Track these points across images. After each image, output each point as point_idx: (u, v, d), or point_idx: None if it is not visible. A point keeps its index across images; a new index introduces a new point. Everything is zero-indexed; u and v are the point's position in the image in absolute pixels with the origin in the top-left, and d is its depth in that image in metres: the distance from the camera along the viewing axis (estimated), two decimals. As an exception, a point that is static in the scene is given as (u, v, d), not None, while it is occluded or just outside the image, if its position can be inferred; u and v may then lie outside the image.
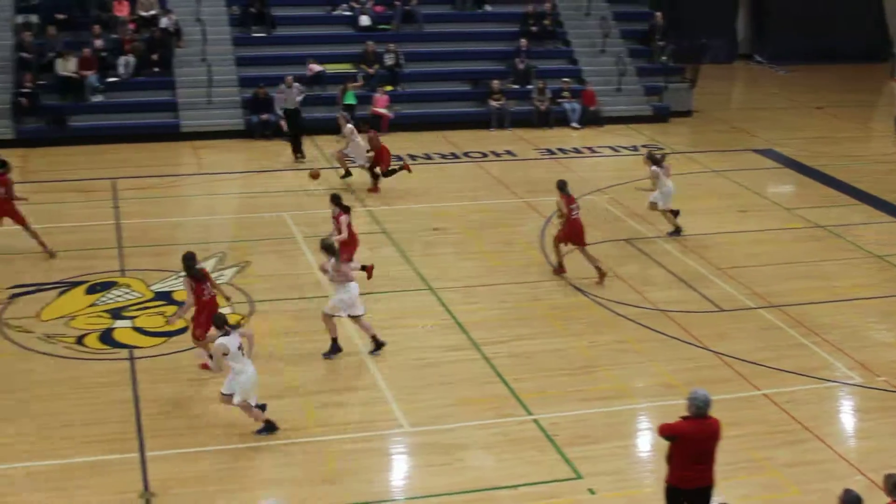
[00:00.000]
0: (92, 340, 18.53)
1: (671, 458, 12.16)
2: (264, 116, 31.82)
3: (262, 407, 15.58)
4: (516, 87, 34.90)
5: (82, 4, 34.05)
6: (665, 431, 12.16)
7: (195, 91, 32.57)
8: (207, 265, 21.41)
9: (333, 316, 17.97)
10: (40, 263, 21.87)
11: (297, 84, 30.59)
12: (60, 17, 33.29)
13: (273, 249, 22.68)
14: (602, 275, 21.20)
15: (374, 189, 26.91)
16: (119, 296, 20.35)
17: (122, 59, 32.65)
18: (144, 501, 13.97)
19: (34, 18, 33.38)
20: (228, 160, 30.22)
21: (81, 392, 16.75)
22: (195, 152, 30.46)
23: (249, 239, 23.41)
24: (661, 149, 26.58)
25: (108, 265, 21.79)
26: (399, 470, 15.19)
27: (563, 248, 21.56)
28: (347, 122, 27.47)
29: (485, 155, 30.91)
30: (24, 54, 31.98)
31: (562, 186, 21.28)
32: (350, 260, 19.61)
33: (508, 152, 31.32)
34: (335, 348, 17.98)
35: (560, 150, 31.75)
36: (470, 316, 19.61)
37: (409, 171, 27.01)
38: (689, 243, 23.53)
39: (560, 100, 34.61)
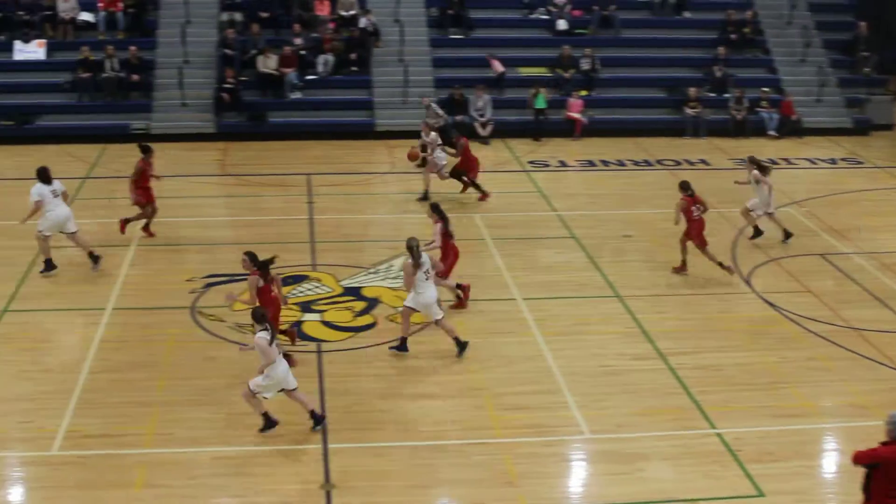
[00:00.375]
0: (281, 332, 18.90)
1: (869, 487, 11.62)
2: (459, 118, 32.00)
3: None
4: (713, 95, 34.32)
5: (285, 3, 34.81)
6: (863, 459, 11.60)
7: (391, 91, 32.96)
8: (396, 264, 21.69)
9: (413, 311, 18.05)
10: (236, 254, 22.35)
11: (434, 104, 30.52)
12: (264, 15, 34.09)
13: (462, 250, 22.71)
14: (729, 271, 21.46)
15: (483, 197, 26.19)
16: (309, 289, 20.70)
17: (321, 58, 33.27)
18: (325, 493, 14.19)
19: (238, 16, 34.27)
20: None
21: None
22: (389, 151, 30.82)
23: (438, 238, 23.54)
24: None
25: (300, 259, 22.19)
26: (578, 476, 15.07)
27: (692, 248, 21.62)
28: (432, 130, 26.87)
29: (678, 163, 30.48)
30: (227, 51, 32.87)
31: (685, 187, 21.42)
32: (447, 274, 19.62)
33: (703, 161, 30.82)
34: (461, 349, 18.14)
35: (756, 160, 31.06)
36: (657, 325, 19.36)
37: (485, 198, 26.24)
38: (887, 260, 22.76)
39: (758, 109, 33.90)
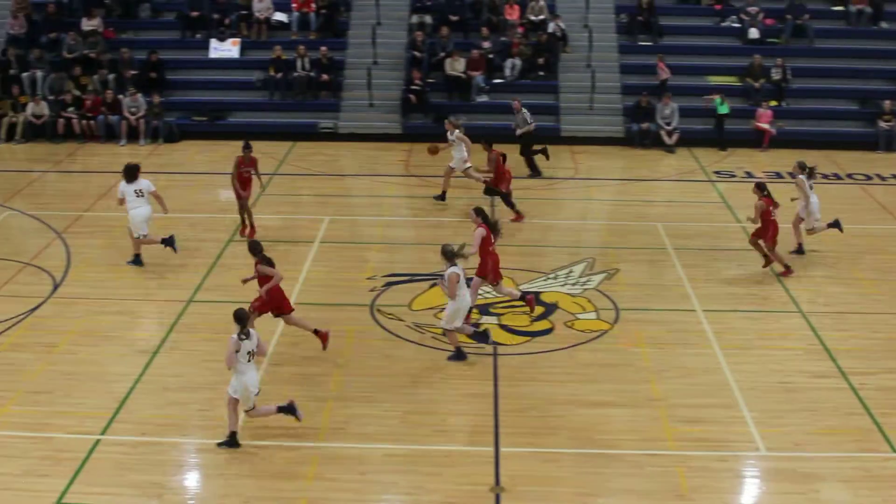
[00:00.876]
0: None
1: None
2: (645, 125, 31.69)
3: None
4: (909, 108, 33.20)
5: (475, 7, 34.96)
6: None
7: (578, 96, 32.81)
8: (576, 270, 21.55)
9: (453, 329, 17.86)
10: (417, 254, 22.59)
11: (525, 111, 29.95)
12: (453, 18, 34.31)
13: (644, 258, 22.48)
14: (788, 271, 21.68)
15: (517, 218, 24.84)
16: (487, 292, 20.70)
17: (508, 62, 33.32)
18: (494, 495, 14.16)
19: (428, 19, 34.56)
20: (605, 166, 30.26)
21: (444, 382, 17.17)
22: (573, 156, 30.67)
23: (620, 246, 23.30)
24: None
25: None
26: (751, 494, 14.70)
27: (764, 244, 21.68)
28: (455, 127, 26.36)
29: (869, 178, 29.56)
30: (416, 53, 33.17)
31: (762, 188, 21.60)
32: (497, 280, 19.39)
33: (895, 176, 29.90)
34: (483, 339, 18.26)
35: (954, 176, 30.02)
36: (840, 343, 18.78)
37: (520, 220, 24.98)
38: None
39: (957, 124, 32.66)
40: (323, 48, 32.87)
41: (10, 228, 24.32)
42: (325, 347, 18.12)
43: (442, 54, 33.12)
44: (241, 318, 15.04)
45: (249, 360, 15.07)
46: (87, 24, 33.96)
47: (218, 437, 15.47)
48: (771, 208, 21.33)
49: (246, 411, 15.33)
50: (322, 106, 32.53)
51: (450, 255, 17.51)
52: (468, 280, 18.44)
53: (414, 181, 28.01)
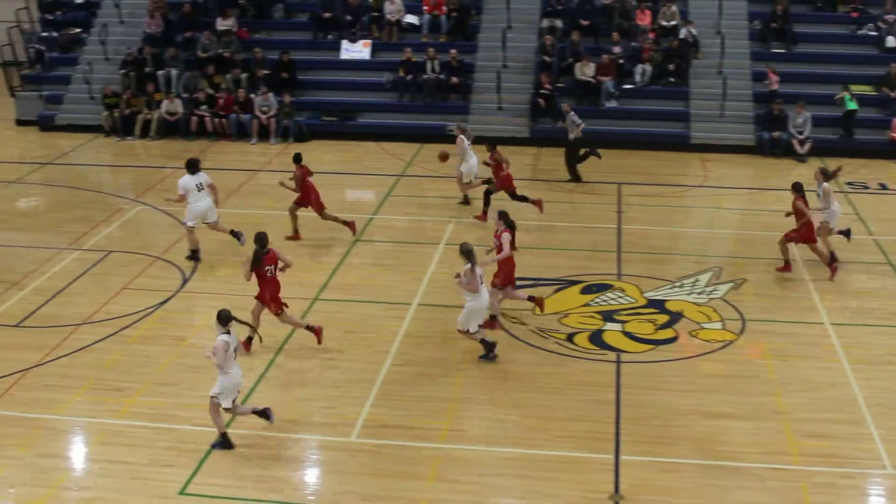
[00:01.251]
0: (582, 339, 18.85)
1: None
2: (776, 134, 31.17)
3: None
4: None
5: (606, 12, 34.76)
6: None
7: (708, 103, 32.39)
8: (702, 279, 21.30)
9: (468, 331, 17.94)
10: (541, 259, 22.53)
11: (573, 113, 29.34)
12: (584, 23, 34.14)
13: (771, 269, 22.06)
14: (833, 270, 21.69)
15: (483, 216, 24.79)
16: (613, 299, 20.58)
17: (639, 67, 33.05)
18: (613, 503, 14.07)
19: (558, 23, 34.43)
20: (735, 175, 29.82)
21: (565, 388, 17.09)
22: (703, 164, 30.31)
23: (748, 256, 22.95)
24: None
25: (605, 268, 22.09)
26: (878, 512, 14.42)
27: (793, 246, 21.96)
28: (462, 132, 26.02)
29: None
30: (546, 57, 33.07)
31: (798, 188, 21.52)
32: (511, 282, 19.22)
33: None
34: (489, 351, 18.04)
35: None
36: (975, 361, 18.28)
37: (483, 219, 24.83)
38: None
39: None
40: (453, 51, 32.96)
41: (142, 223, 24.83)
42: (319, 342, 18.47)
43: (571, 59, 32.97)
44: (225, 318, 15.16)
45: (235, 358, 15.23)
46: (222, 24, 34.55)
47: (339, 434, 15.65)
48: (806, 209, 21.38)
49: (226, 409, 15.33)
50: (451, 108, 32.63)
51: (467, 254, 17.57)
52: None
53: (541, 185, 27.92)
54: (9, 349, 18.61)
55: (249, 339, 17.95)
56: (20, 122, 34.69)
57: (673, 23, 34.30)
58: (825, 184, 22.36)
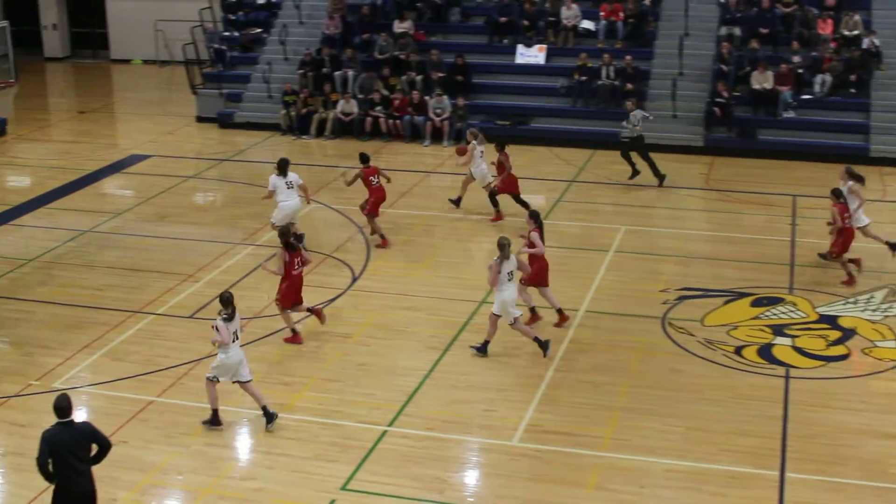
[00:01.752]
0: (750, 353, 18.50)
1: None
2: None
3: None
4: None
5: (786, 20, 34.05)
6: None
7: (890, 116, 31.47)
8: (877, 296, 20.73)
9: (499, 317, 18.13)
10: (712, 269, 22.21)
11: (639, 110, 28.79)
12: (763, 31, 33.51)
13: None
14: (850, 281, 21.45)
15: (498, 217, 25.07)
16: (783, 313, 20.15)
17: (818, 77, 32.26)
18: (778, 522, 13.79)
19: (737, 31, 33.85)
20: (916, 190, 28.94)
21: (732, 401, 16.79)
22: (882, 178, 29.43)
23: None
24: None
25: (776, 280, 21.64)
26: None
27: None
28: (474, 137, 25.65)
29: None
30: (723, 66, 32.57)
31: (838, 194, 21.38)
32: (542, 282, 19.27)
33: None
34: (544, 348, 18.21)
35: None
36: None
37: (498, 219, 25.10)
38: None
39: None
40: (628, 57, 32.70)
41: (315, 221, 25.23)
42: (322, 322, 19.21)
43: (748, 68, 32.39)
44: (226, 301, 15.77)
45: (235, 340, 15.77)
46: (399, 27, 34.93)
47: (501, 437, 15.68)
48: (845, 215, 21.20)
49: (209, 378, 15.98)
50: (624, 115, 32.23)
51: (500, 247, 17.79)
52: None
53: (714, 195, 27.53)
54: (182, 340, 19.14)
55: None
56: (200, 119, 35.65)
57: (855, 32, 33.41)
58: (850, 182, 22.02)
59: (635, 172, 28.14)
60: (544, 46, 34.23)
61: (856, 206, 21.95)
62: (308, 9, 36.95)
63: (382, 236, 23.59)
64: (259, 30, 37.39)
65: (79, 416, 16.58)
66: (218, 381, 15.93)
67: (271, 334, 19.20)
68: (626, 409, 16.53)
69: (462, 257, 22.90)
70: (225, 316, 15.70)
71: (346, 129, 33.14)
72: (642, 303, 20.46)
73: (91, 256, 23.28)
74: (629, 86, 32.39)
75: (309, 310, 19.28)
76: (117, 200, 26.71)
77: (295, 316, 19.26)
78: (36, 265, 22.72)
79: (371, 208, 23.54)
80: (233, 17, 38.32)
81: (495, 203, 25.01)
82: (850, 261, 21.49)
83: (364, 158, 23.80)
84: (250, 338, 18.93)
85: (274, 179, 22.31)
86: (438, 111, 32.49)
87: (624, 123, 28.74)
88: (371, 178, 23.50)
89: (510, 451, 15.40)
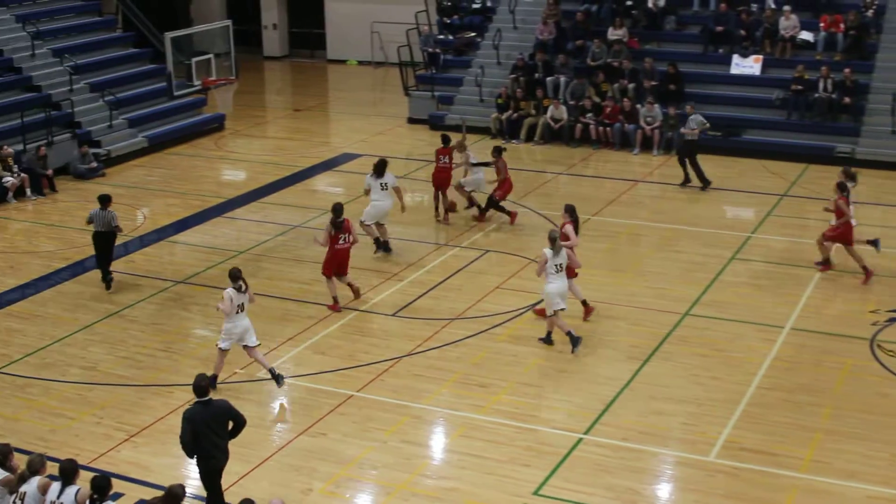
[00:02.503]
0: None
1: None
2: None
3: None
4: None
5: None
6: None
7: None
8: None
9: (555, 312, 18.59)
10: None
11: (697, 114, 28.48)
12: None
13: None
14: (868, 275, 21.70)
15: (480, 217, 25.68)
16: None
17: None
18: None
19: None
20: None
21: (942, 429, 16.16)
22: None
23: None
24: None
25: None
26: None
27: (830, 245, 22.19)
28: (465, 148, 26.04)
29: None
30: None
31: (843, 187, 21.86)
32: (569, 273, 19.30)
33: None
34: (573, 343, 18.64)
35: None
36: None
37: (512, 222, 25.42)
38: None
39: None
40: (847, 70, 31.77)
41: (521, 225, 25.22)
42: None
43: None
44: (233, 276, 17.09)
45: (239, 312, 16.98)
46: (613, 34, 34.70)
47: (697, 452, 15.46)
48: (849, 208, 21.75)
49: (249, 348, 17.42)
50: (841, 129, 31.46)
51: (550, 241, 18.52)
52: None
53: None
54: (384, 337, 19.44)
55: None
56: (411, 121, 36.12)
57: None
58: (851, 183, 22.31)
59: (686, 179, 28.37)
60: (760, 57, 33.51)
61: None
62: (522, 14, 37.03)
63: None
64: (473, 34, 37.68)
65: (278, 405, 17.14)
66: (227, 349, 17.32)
67: (470, 336, 19.31)
68: (829, 430, 16.06)
69: (667, 268, 22.61)
70: (236, 287, 16.94)
71: (555, 134, 33.10)
72: (850, 323, 19.85)
73: (300, 251, 23.85)
74: (847, 100, 31.46)
75: (349, 284, 20.90)
76: (327, 197, 27.23)
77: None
78: (246, 257, 23.40)
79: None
80: (448, 21, 38.70)
81: (501, 209, 25.42)
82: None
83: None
84: (450, 338, 19.10)
85: (369, 179, 23.21)
86: (649, 119, 32.16)
87: (682, 129, 28.81)
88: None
89: (706, 467, 15.15)
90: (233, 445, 13.56)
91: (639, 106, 32.55)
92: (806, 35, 33.61)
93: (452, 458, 15.53)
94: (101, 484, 12.03)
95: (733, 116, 32.61)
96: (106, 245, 21.63)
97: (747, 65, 33.55)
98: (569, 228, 19.79)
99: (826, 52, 33.23)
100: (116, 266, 22.68)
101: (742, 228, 24.99)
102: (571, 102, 33.54)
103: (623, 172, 29.98)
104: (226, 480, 14.43)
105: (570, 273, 19.39)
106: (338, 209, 20.36)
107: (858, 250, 21.86)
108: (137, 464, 14.51)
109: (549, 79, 34.25)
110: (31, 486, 12.15)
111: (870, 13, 33.57)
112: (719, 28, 34.20)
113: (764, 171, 29.95)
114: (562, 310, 18.65)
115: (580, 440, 15.82)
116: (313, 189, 28.84)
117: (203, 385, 13.33)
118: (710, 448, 15.58)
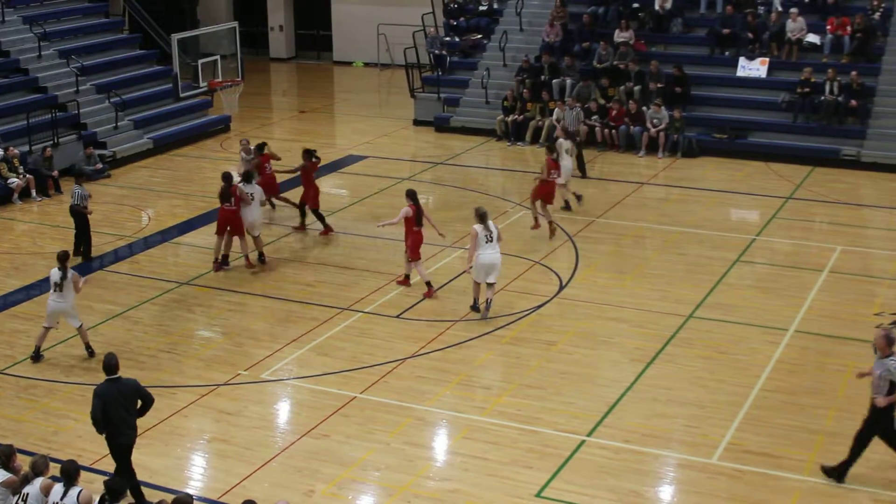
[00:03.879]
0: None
1: None
2: None
3: None
4: None
5: None
6: None
7: None
8: None
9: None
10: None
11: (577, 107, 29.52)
12: None
13: None
14: None
15: (302, 228, 25.62)
16: None
17: None
18: None
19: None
20: None
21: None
22: None
23: None
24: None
25: None
26: None
27: None
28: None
29: None
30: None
31: None
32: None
33: None
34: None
35: None
36: None
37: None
38: None
39: None
40: (854, 73, 31.71)
41: (525, 227, 25.20)
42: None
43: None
44: (62, 258, 18.35)
45: (55, 290, 18.31)
46: (620, 36, 34.66)
47: (700, 454, 15.42)
48: None
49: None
50: (847, 132, 31.41)
51: (480, 216, 19.91)
52: None
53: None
54: (387, 338, 19.43)
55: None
56: (417, 123, 36.13)
57: None
58: None
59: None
60: (766, 59, 33.46)
61: None
62: (529, 16, 37.03)
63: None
64: (479, 36, 37.68)
65: (282, 406, 17.14)
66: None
67: (474, 338, 19.30)
68: (833, 433, 16.00)
69: (671, 270, 22.57)
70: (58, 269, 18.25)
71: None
72: (854, 325, 19.80)
73: (304, 252, 23.88)
74: (853, 102, 31.40)
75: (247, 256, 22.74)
76: (333, 199, 27.26)
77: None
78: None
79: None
80: (454, 23, 38.69)
81: (320, 217, 25.23)
82: None
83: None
84: (453, 340, 19.10)
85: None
86: (655, 122, 32.12)
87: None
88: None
89: (709, 469, 15.12)
90: (235, 447, 13.59)
91: (645, 108, 32.50)
92: (812, 37, 33.55)
93: (455, 460, 15.51)
94: (115, 488, 12.23)
95: (739, 119, 32.58)
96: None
97: (754, 67, 33.50)
98: (407, 210, 21.01)
99: (832, 54, 33.18)
100: (120, 267, 22.78)
101: (747, 231, 24.96)
102: (578, 105, 33.37)
103: (628, 175, 29.94)
104: (228, 482, 14.50)
105: (414, 255, 21.29)
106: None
107: None
108: (140, 465, 14.47)
109: (554, 81, 34.21)
110: (33, 487, 12.18)
111: (877, 16, 33.50)
112: (726, 31, 34.15)
113: (770, 173, 29.91)
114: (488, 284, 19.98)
115: (583, 442, 15.80)
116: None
117: (113, 363, 13.87)
118: (713, 450, 15.55)
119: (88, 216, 23.34)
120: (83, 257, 23.27)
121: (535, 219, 24.68)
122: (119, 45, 36.66)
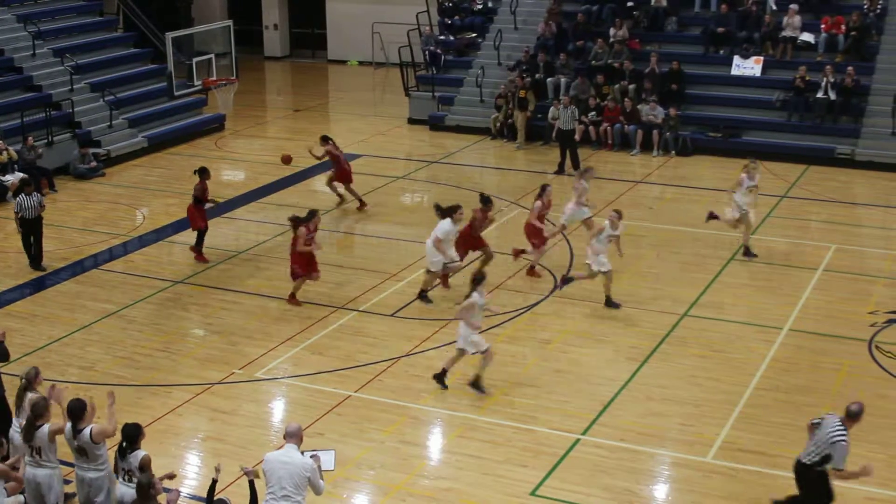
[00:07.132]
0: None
1: None
2: None
3: None
4: None
5: None
6: None
7: None
8: None
9: None
10: (924, 293, 21.44)
11: (572, 106, 30.30)
12: None
13: None
14: None
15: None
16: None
17: None
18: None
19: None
20: None
21: None
22: None
23: None
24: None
25: None
26: None
27: None
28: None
29: None
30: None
31: None
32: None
33: None
34: None
35: None
36: None
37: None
38: None
39: None
40: (850, 68, 31.70)
41: (520, 226, 25.13)
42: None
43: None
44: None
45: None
46: (615, 34, 34.67)
47: (695, 453, 15.44)
48: None
49: None
50: (841, 131, 31.43)
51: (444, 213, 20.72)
52: None
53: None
54: (382, 337, 19.43)
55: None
56: (412, 121, 36.13)
57: None
58: None
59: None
60: (761, 58, 33.47)
61: None
62: (524, 14, 37.02)
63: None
64: (474, 34, 37.68)
65: (276, 405, 17.13)
66: None
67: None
68: (827, 432, 16.02)
69: (666, 268, 22.60)
70: None
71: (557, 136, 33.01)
72: (849, 324, 19.83)
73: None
74: (845, 99, 31.38)
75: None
76: (327, 198, 27.22)
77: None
78: (245, 257, 23.43)
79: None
80: (449, 22, 38.68)
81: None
82: None
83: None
84: (448, 339, 19.08)
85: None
86: (652, 118, 32.11)
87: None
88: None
89: (703, 468, 15.14)
90: (230, 445, 13.57)
91: (640, 107, 32.49)
92: (807, 36, 33.56)
93: (450, 459, 15.52)
94: (132, 433, 13.06)
95: (733, 117, 32.62)
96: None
97: (748, 66, 33.52)
98: (301, 231, 20.64)
99: (827, 53, 33.19)
100: (115, 266, 22.80)
101: (741, 229, 24.93)
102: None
103: (623, 173, 29.96)
104: (223, 480, 14.41)
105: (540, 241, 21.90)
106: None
107: None
108: (134, 463, 14.46)
109: (549, 79, 34.21)
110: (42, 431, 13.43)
111: (872, 14, 33.51)
112: (721, 29, 34.17)
113: (764, 172, 29.83)
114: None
115: (578, 441, 15.82)
116: (313, 189, 28.79)
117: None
118: (708, 449, 15.57)
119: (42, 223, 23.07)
120: (34, 263, 23.01)
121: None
122: (113, 43, 36.59)
